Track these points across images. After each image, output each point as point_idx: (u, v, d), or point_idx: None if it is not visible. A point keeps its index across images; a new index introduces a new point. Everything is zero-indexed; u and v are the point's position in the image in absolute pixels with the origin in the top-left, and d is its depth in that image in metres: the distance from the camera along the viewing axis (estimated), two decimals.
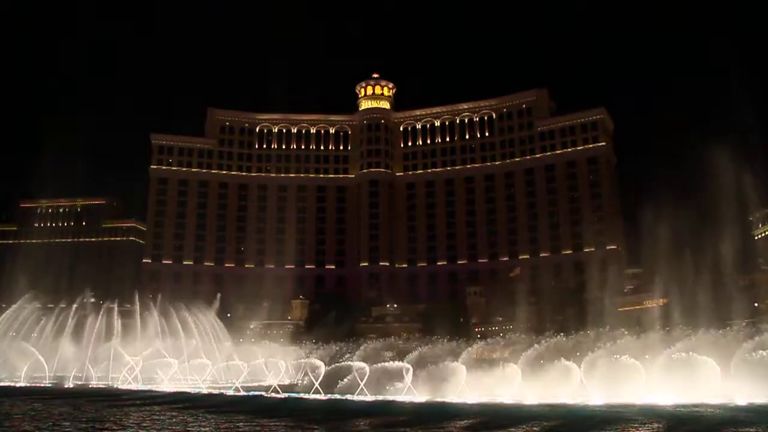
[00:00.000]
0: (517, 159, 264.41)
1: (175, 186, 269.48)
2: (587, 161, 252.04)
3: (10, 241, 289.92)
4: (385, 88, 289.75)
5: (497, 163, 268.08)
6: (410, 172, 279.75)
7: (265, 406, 65.44)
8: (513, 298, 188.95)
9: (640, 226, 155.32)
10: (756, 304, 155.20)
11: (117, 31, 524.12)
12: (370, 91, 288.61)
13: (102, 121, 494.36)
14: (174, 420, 52.35)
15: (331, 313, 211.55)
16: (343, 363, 78.50)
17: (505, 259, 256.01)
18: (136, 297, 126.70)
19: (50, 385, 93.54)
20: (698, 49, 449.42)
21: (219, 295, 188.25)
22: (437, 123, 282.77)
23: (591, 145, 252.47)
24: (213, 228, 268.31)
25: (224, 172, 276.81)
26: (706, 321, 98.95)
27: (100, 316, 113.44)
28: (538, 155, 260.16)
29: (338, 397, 69.40)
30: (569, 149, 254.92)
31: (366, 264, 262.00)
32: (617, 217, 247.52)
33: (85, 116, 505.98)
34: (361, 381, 69.11)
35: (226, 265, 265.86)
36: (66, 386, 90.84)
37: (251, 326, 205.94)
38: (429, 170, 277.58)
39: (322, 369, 75.28)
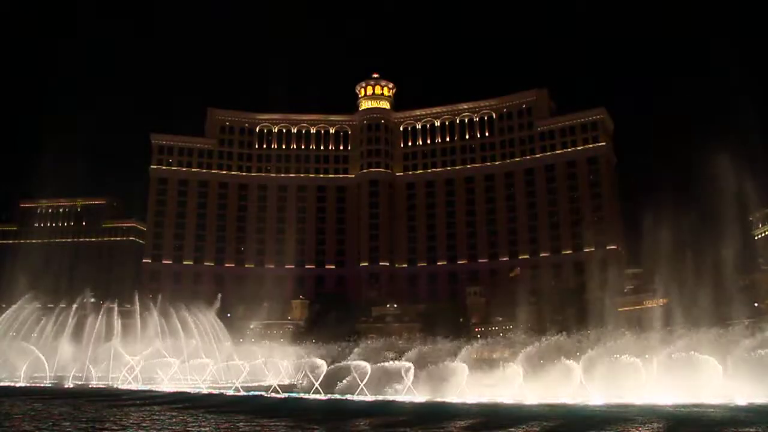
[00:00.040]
0: (517, 159, 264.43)
1: (175, 186, 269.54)
2: (587, 161, 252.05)
3: (10, 241, 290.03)
4: (385, 88, 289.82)
5: (497, 163, 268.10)
6: (410, 172, 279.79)
7: (265, 406, 65.43)
8: (513, 298, 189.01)
9: (640, 226, 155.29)
10: (756, 304, 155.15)
11: (117, 31, 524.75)
12: (370, 91, 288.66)
13: (102, 121, 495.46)
14: (174, 420, 52.33)
15: (331, 313, 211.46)
16: (343, 363, 78.30)
17: (505, 259, 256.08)
18: (136, 297, 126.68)
19: (50, 385, 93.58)
20: (698, 49, 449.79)
21: (220, 295, 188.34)
22: (437, 123, 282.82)
23: (591, 145, 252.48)
24: (213, 228, 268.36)
25: (224, 172, 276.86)
26: (706, 321, 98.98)
27: (100, 316, 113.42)
28: (538, 155, 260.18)
29: (338, 397, 69.37)
30: (569, 149, 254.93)
31: (366, 264, 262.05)
32: (617, 217, 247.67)
33: (85, 116, 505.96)
34: (362, 381, 69.07)
35: (226, 265, 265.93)
36: (66, 386, 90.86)
37: (251, 326, 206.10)
38: (429, 170, 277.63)
39: (323, 368, 75.20)
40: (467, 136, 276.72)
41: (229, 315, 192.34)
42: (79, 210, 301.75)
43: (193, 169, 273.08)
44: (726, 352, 65.67)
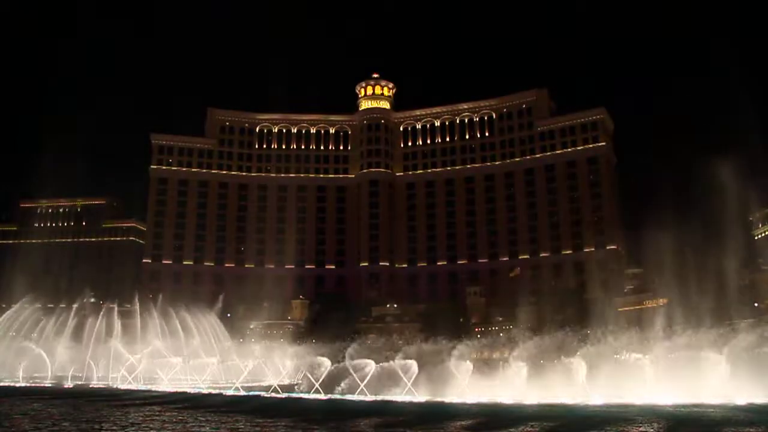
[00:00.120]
0: (517, 159, 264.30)
1: (175, 186, 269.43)
2: (587, 161, 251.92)
3: (10, 241, 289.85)
4: (385, 88, 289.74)
5: (497, 163, 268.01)
6: (410, 172, 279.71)
7: (265, 406, 65.43)
8: (513, 298, 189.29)
9: (640, 226, 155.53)
10: (756, 304, 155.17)
11: (117, 31, 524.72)
12: (370, 91, 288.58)
13: (102, 121, 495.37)
14: (174, 420, 52.35)
15: (332, 313, 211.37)
16: (344, 363, 78.17)
17: (505, 259, 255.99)
18: (136, 297, 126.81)
19: (50, 385, 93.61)
20: (698, 49, 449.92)
21: (222, 296, 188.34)
22: (437, 123, 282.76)
23: (591, 145, 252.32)
24: (213, 228, 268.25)
25: (224, 172, 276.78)
26: (706, 321, 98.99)
27: (100, 317, 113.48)
28: (538, 155, 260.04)
29: (338, 397, 69.33)
30: (569, 149, 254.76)
31: (366, 264, 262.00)
32: (617, 217, 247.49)
33: (85, 116, 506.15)
34: (362, 381, 69.01)
35: (226, 265, 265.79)
36: (66, 386, 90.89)
37: (251, 326, 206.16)
38: (429, 170, 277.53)
39: (325, 368, 75.08)
40: (467, 136, 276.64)
41: (229, 315, 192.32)
42: (79, 210, 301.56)
43: (193, 169, 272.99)
44: (726, 352, 65.62)
